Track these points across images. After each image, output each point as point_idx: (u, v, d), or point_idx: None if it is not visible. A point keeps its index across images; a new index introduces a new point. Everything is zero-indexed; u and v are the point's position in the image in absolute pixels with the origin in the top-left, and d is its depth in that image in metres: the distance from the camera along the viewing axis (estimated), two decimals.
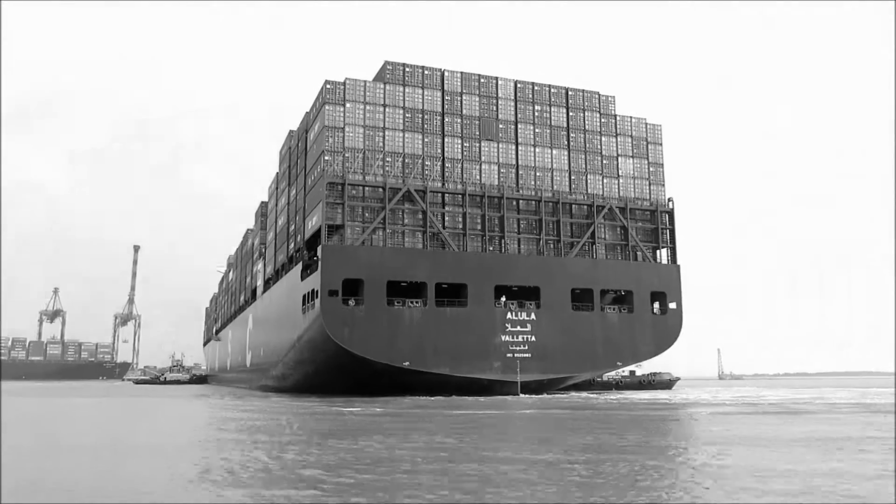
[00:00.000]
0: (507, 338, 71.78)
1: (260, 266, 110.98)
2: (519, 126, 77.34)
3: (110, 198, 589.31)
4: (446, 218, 73.16)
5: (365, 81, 73.86)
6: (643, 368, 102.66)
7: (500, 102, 77.24)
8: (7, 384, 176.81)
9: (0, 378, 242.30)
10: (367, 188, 71.08)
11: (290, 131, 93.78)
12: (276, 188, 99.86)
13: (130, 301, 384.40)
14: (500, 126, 76.74)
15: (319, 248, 69.08)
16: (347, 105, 72.20)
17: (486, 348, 70.78)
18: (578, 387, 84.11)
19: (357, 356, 67.00)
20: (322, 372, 73.42)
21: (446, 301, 70.85)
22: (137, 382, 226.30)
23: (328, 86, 72.51)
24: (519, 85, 78.46)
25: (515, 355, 71.38)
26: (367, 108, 72.80)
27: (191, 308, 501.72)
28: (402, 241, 71.59)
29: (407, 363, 67.96)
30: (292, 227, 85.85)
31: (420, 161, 73.42)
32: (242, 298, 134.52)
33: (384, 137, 72.78)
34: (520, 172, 76.54)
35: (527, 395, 68.38)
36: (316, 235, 74.53)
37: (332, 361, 69.27)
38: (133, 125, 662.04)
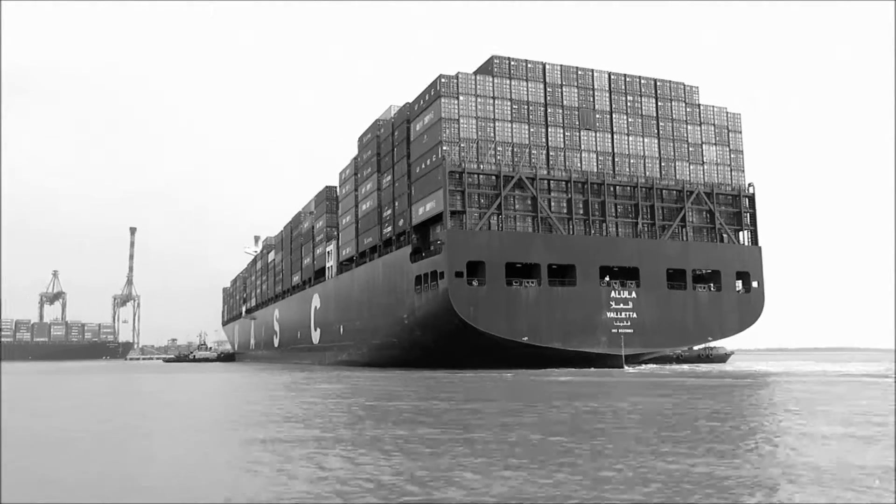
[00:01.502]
0: (612, 314, 77.39)
1: (331, 248, 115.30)
2: (613, 116, 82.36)
3: (109, 179, 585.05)
4: (552, 203, 78.25)
5: (475, 75, 78.30)
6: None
7: (596, 93, 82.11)
8: (23, 365, 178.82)
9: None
10: (481, 176, 75.88)
11: (377, 121, 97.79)
12: (356, 174, 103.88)
13: (129, 282, 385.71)
14: (597, 116, 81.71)
15: (443, 233, 73.89)
16: (461, 98, 76.68)
17: (593, 324, 76.37)
18: (646, 360, 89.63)
19: (481, 332, 72.27)
20: (436, 347, 78.30)
21: (557, 281, 76.25)
22: (167, 361, 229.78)
23: (442, 79, 76.84)
24: (612, 76, 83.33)
25: (620, 331, 77.08)
26: (479, 100, 77.36)
27: (193, 290, 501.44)
28: (514, 225, 76.67)
29: (525, 338, 73.39)
30: (387, 211, 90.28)
31: (527, 150, 78.30)
32: (297, 278, 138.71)
33: (494, 128, 77.47)
34: (616, 160, 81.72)
35: (632, 367, 74.16)
36: (427, 221, 79.39)
37: (453, 337, 74.27)
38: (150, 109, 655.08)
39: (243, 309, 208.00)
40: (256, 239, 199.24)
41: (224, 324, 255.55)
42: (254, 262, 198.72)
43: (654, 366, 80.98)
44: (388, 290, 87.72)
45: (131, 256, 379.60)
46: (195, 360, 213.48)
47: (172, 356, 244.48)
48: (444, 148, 75.19)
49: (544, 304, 74.92)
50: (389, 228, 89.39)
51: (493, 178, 76.05)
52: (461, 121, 76.30)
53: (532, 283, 75.11)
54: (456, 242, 72.88)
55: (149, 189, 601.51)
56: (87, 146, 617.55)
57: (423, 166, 79.62)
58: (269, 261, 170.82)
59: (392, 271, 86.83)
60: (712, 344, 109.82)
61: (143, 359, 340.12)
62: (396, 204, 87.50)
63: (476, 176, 75.61)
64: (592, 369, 69.39)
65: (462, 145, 75.91)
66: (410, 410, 28.57)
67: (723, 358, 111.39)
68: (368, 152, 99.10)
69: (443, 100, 76.02)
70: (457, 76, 77.37)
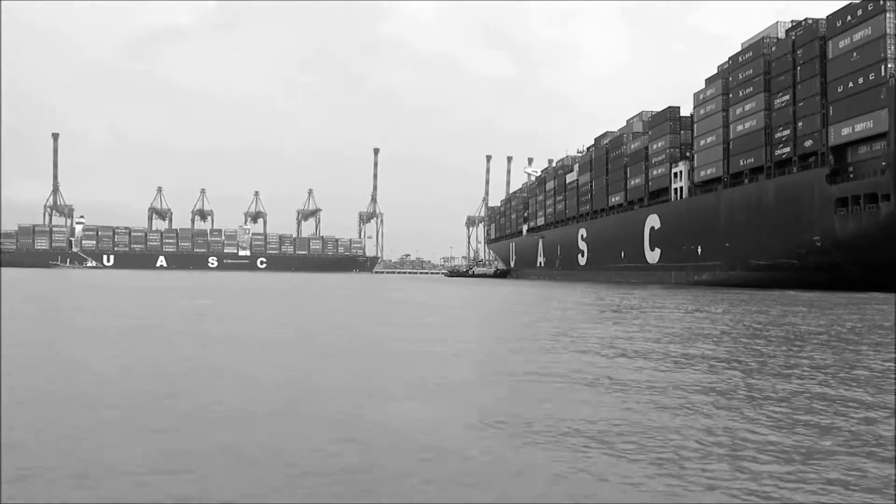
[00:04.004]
0: None
1: (679, 168, 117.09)
2: None
3: (353, 100, 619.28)
4: None
5: None
6: None
7: None
8: (302, 275, 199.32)
9: None
10: None
11: (763, 38, 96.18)
12: (726, 94, 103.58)
13: (373, 200, 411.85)
14: None
15: (889, 154, 72.62)
16: None
17: None
18: None
19: None
20: (857, 270, 78.00)
21: None
22: (447, 275, 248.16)
23: None
24: None
25: None
26: None
27: (426, 207, 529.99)
28: None
29: None
30: (784, 132, 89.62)
31: None
32: (618, 199, 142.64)
33: None
34: None
35: None
36: (847, 143, 78.44)
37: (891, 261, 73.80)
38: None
39: (524, 227, 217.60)
40: (550, 161, 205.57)
41: (491, 241, 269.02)
42: (541, 182, 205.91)
43: None
44: (783, 212, 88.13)
45: (375, 176, 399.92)
46: (474, 275, 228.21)
47: (447, 272, 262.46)
48: (890, 66, 72.91)
49: None
50: (788, 149, 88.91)
51: None
52: None
53: None
54: None
55: (388, 111, 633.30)
56: (325, 70, 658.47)
57: (850, 85, 77.81)
58: (569, 181, 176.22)
59: (792, 193, 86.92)
60: None
61: (387, 272, 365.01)
62: (800, 124, 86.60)
63: None
64: None
65: None
66: None
67: None
68: (749, 71, 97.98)
69: (888, 14, 73.29)
70: None
